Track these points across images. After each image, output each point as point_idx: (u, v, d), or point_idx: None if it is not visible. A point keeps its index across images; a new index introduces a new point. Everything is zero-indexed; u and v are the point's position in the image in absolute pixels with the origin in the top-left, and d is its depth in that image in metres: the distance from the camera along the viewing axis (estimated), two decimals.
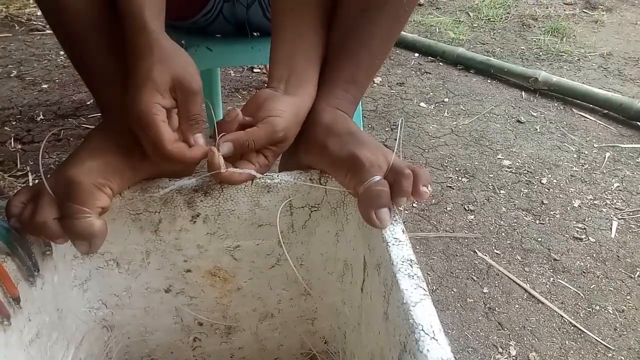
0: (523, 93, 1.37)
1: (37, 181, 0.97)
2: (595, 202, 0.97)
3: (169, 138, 0.39)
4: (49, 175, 0.39)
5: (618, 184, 1.02)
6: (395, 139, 1.16)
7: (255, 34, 0.78)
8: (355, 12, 0.46)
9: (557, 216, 0.93)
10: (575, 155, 1.11)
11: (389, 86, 1.41)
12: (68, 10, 0.43)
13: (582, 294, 0.78)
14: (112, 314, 0.51)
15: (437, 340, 0.29)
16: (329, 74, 0.47)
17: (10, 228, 0.37)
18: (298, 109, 0.44)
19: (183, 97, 0.40)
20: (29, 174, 1.01)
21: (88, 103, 1.28)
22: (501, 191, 0.99)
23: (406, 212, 0.93)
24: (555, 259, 0.84)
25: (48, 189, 0.37)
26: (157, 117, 0.38)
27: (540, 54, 1.61)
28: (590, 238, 0.88)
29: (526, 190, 1.00)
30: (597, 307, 0.75)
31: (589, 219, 0.93)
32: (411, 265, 0.34)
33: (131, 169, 0.41)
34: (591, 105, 1.29)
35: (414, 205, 0.95)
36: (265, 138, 0.42)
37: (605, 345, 0.69)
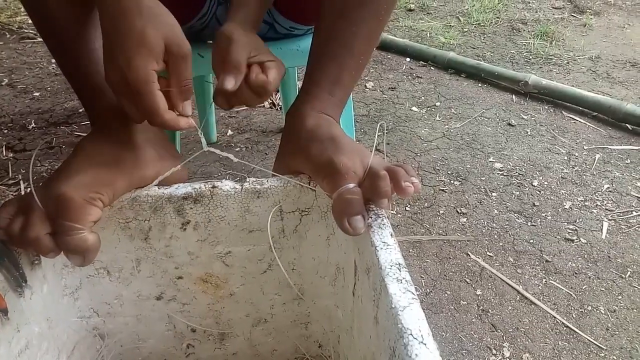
0: (513, 96, 1.38)
1: (29, 190, 0.97)
2: (586, 203, 0.98)
3: (164, 107, 0.38)
4: (40, 184, 0.39)
5: (608, 185, 1.03)
6: (388, 143, 1.16)
7: None
8: (335, 14, 0.46)
9: (548, 218, 0.94)
10: (565, 158, 1.12)
11: (380, 91, 1.42)
12: (57, 19, 0.43)
13: (574, 295, 0.78)
14: (104, 322, 0.51)
15: (425, 344, 0.29)
16: (313, 78, 0.47)
17: None
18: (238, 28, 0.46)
19: (175, 61, 0.39)
20: (21, 182, 1.00)
21: (80, 111, 1.27)
22: (493, 194, 1.00)
23: (399, 215, 0.94)
24: (547, 261, 0.84)
25: (38, 203, 0.37)
26: (153, 85, 0.37)
27: (530, 57, 1.63)
28: (581, 239, 0.89)
29: (518, 193, 1.00)
30: (589, 308, 0.76)
31: (580, 220, 0.93)
32: (399, 269, 0.34)
33: (121, 179, 0.41)
34: (581, 108, 1.31)
35: (407, 208, 0.96)
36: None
37: (597, 345, 0.70)
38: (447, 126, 1.24)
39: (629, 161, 1.11)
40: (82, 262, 0.39)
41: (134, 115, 0.39)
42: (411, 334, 0.29)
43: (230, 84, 0.42)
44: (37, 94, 1.36)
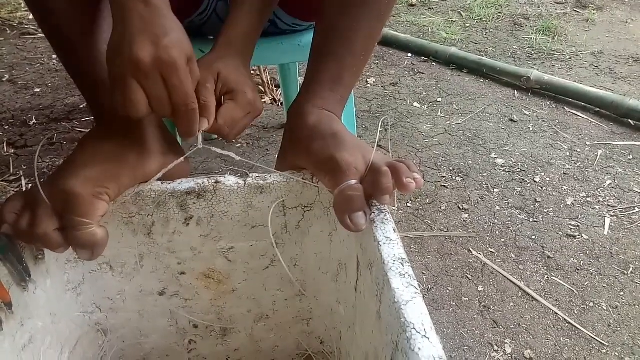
0: (515, 92, 1.38)
1: (30, 186, 0.97)
2: (588, 199, 0.98)
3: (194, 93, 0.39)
4: (42, 180, 0.39)
5: (610, 181, 1.03)
6: (390, 139, 1.16)
7: None
8: (336, 10, 0.46)
9: (550, 214, 0.94)
10: (567, 153, 1.12)
11: (382, 86, 1.41)
12: (58, 14, 0.43)
13: (576, 291, 0.78)
14: (107, 317, 0.51)
15: (428, 338, 0.29)
16: (314, 74, 0.47)
17: (0, 234, 0.37)
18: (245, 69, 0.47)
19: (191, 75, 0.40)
20: (22, 178, 1.00)
21: (81, 106, 1.27)
22: (495, 190, 1.00)
23: (400, 211, 0.94)
24: (549, 257, 0.84)
25: (45, 199, 0.37)
26: (185, 67, 0.38)
27: (532, 53, 1.62)
28: (583, 235, 0.89)
29: (519, 189, 1.00)
30: (591, 304, 0.76)
31: (582, 216, 0.93)
32: (402, 264, 0.34)
33: (126, 174, 0.41)
34: (583, 104, 1.30)
35: (408, 205, 0.96)
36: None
37: (599, 342, 0.70)
38: (448, 122, 1.24)
39: (631, 157, 1.11)
40: (90, 257, 0.39)
41: (142, 102, 0.38)
42: (414, 328, 0.29)
43: (204, 125, 0.43)
44: (38, 90, 1.36)
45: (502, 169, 1.06)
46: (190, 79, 0.38)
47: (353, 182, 0.39)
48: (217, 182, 0.43)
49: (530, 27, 1.82)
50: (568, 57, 1.59)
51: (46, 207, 0.37)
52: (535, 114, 1.27)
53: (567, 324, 0.73)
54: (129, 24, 0.36)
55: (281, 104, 1.30)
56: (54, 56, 1.53)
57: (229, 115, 0.44)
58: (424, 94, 1.37)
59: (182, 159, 0.45)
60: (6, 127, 1.18)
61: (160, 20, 0.37)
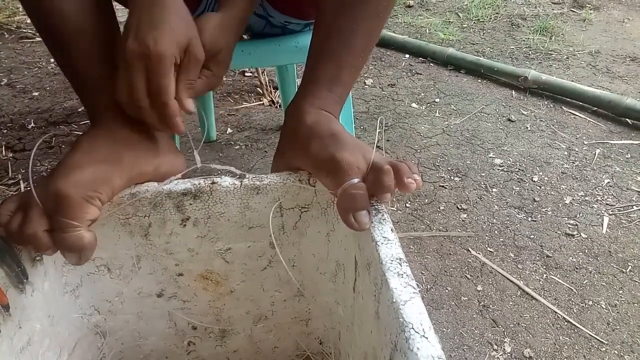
0: (513, 92, 1.38)
1: (29, 189, 0.96)
2: (586, 198, 0.98)
3: (173, 91, 0.40)
4: (36, 184, 0.39)
5: (608, 180, 1.03)
6: (388, 140, 1.16)
7: (244, 36, 0.78)
8: (335, 11, 0.46)
9: (548, 213, 0.94)
10: (565, 153, 1.12)
11: (380, 87, 1.42)
12: (55, 15, 0.43)
13: (575, 290, 0.78)
14: (105, 319, 0.51)
15: (427, 338, 0.29)
16: (312, 74, 0.47)
17: None
18: (220, 21, 0.46)
19: (188, 62, 0.41)
20: (21, 182, 1.00)
21: (79, 110, 1.27)
22: (493, 189, 1.00)
23: (399, 212, 0.94)
24: (547, 256, 0.84)
25: (37, 200, 0.37)
26: (171, 67, 0.39)
27: (530, 53, 1.63)
28: (582, 234, 0.89)
29: (518, 188, 1.00)
30: (590, 303, 0.76)
31: (581, 215, 0.93)
32: (400, 264, 0.34)
33: (120, 176, 0.41)
34: (581, 103, 1.30)
35: (407, 205, 0.96)
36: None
37: (598, 340, 0.70)
38: (446, 122, 1.24)
39: (629, 156, 1.11)
40: (78, 261, 0.39)
41: (135, 94, 0.39)
42: (412, 328, 0.29)
43: (191, 107, 0.43)
44: (36, 93, 1.36)
45: (500, 168, 1.07)
46: (171, 74, 0.39)
47: (356, 180, 0.39)
48: (213, 183, 0.43)
49: (528, 27, 1.83)
50: (565, 56, 1.59)
51: (37, 208, 0.37)
52: (533, 114, 1.27)
53: (566, 323, 0.73)
54: (134, 14, 0.39)
55: (279, 105, 1.30)
56: (52, 60, 1.53)
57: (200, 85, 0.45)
58: (422, 94, 1.37)
59: (179, 175, 0.45)
60: (4, 131, 1.18)
61: (160, 10, 0.39)
